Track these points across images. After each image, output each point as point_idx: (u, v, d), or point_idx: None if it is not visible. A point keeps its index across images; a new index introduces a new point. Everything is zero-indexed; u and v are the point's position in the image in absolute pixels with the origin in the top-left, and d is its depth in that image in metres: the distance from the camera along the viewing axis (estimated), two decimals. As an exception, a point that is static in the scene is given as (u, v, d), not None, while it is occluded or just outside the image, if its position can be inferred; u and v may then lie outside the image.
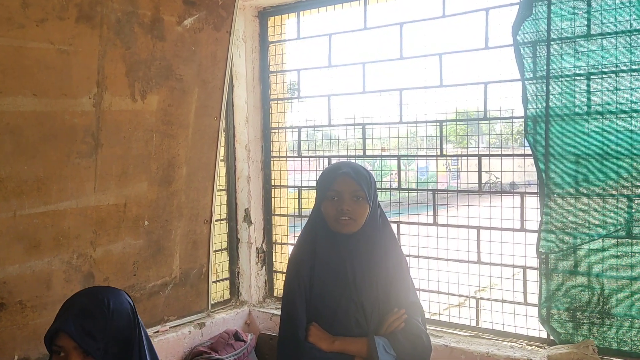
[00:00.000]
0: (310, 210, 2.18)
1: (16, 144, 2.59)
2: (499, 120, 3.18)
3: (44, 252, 2.76)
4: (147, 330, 3.27)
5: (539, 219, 2.89)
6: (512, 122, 3.17)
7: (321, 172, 2.14)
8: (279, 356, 2.02)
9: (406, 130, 3.48)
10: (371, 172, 2.13)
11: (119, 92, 2.94)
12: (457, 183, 3.53)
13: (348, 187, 1.98)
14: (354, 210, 1.97)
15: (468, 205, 3.24)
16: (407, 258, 3.29)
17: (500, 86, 3.07)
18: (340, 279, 2.00)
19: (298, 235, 2.20)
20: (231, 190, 3.97)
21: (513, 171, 3.06)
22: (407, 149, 3.49)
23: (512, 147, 3.16)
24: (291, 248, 4.07)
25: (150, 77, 3.07)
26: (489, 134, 3.25)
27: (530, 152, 2.91)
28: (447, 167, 4.16)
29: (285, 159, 4.06)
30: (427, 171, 3.84)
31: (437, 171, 3.59)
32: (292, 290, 2.03)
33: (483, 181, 3.20)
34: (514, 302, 3.12)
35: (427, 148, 3.48)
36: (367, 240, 2.03)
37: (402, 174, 3.59)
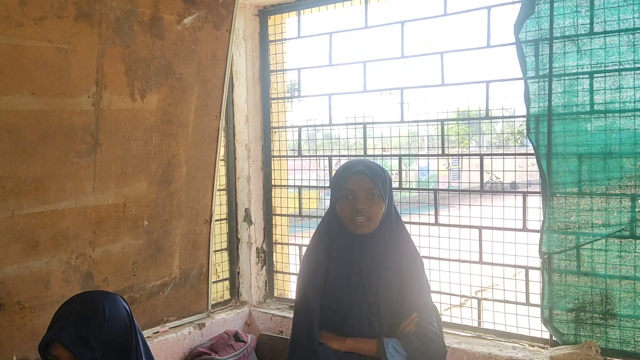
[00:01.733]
0: (325, 211, 2.15)
1: (14, 143, 2.56)
2: (500, 120, 3.16)
3: (42, 252, 2.74)
4: (146, 330, 3.27)
5: (542, 218, 2.86)
6: (514, 121, 3.14)
7: (334, 171, 2.11)
8: (291, 357, 1.99)
9: (407, 129, 3.45)
10: (386, 170, 2.09)
11: (118, 91, 2.91)
12: (459, 182, 3.50)
13: (362, 186, 1.94)
14: (369, 209, 1.94)
15: (470, 205, 3.21)
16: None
17: (502, 85, 3.05)
18: (353, 280, 1.97)
19: (312, 234, 2.15)
20: (231, 189, 3.95)
21: (515, 170, 3.04)
22: (408, 148, 3.46)
23: (514, 146, 3.13)
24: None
25: (149, 76, 3.05)
26: (490, 133, 3.23)
27: (532, 151, 2.88)
28: (447, 167, 4.13)
29: (285, 158, 4.03)
30: (427, 171, 3.81)
31: (437, 170, 3.57)
32: (307, 290, 2.00)
33: (484, 181, 3.17)
34: (516, 303, 3.10)
35: (428, 147, 3.45)
36: (381, 240, 2.00)
37: (403, 173, 3.56)
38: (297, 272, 2.29)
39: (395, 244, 2.01)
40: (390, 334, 1.96)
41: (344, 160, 3.48)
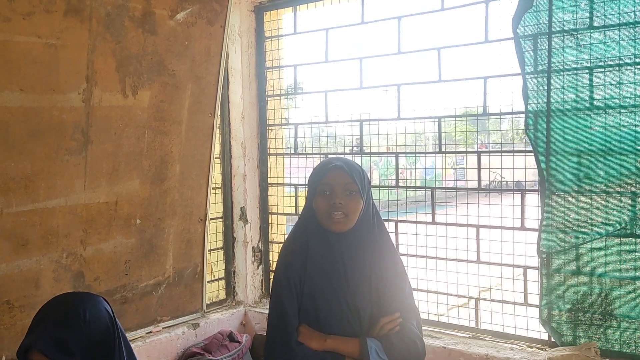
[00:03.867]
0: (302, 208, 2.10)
1: (3, 140, 2.53)
2: (499, 116, 3.10)
3: (32, 250, 2.70)
4: (139, 330, 3.23)
5: (540, 217, 2.81)
6: (513, 118, 3.08)
7: (312, 168, 2.06)
8: (267, 358, 1.95)
9: (404, 127, 3.40)
10: (364, 169, 2.05)
11: (109, 87, 2.87)
12: (464, 181, 3.43)
13: (340, 180, 1.90)
14: (346, 205, 1.89)
15: (467, 203, 3.16)
16: (405, 257, 3.24)
17: (501, 81, 2.99)
18: (333, 279, 1.93)
19: (289, 232, 2.11)
20: (227, 188, 3.90)
21: (513, 168, 2.98)
22: (406, 145, 3.40)
23: (512, 143, 3.07)
24: (281, 247, 4.01)
25: (141, 72, 3.00)
26: (488, 131, 3.17)
27: (531, 148, 2.83)
28: (452, 166, 4.07)
29: (282, 156, 3.99)
30: (427, 168, 3.75)
31: (436, 168, 3.51)
32: (281, 289, 1.95)
33: (489, 180, 3.12)
34: (514, 303, 3.04)
35: (425, 145, 3.39)
36: (360, 239, 1.95)
37: (407, 172, 3.51)
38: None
39: (374, 243, 1.96)
40: (370, 334, 1.91)
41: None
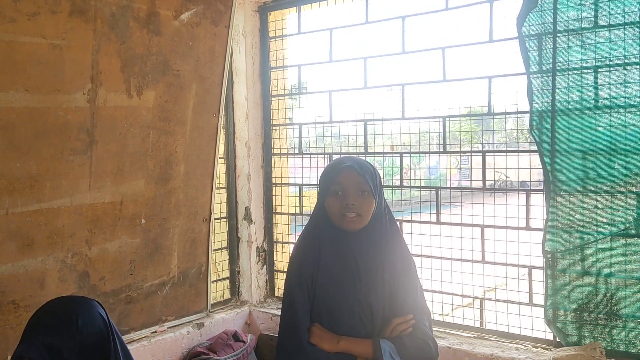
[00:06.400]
0: (313, 208, 2.10)
1: (8, 140, 2.54)
2: (503, 116, 3.09)
3: (37, 250, 2.71)
4: (144, 330, 3.24)
5: (545, 217, 2.80)
6: (518, 118, 3.07)
7: (324, 168, 2.06)
8: (278, 358, 1.95)
9: (408, 127, 3.39)
10: (376, 167, 2.04)
11: (114, 87, 2.88)
12: (469, 181, 3.42)
13: (353, 181, 1.90)
14: (359, 205, 1.89)
15: (471, 203, 3.15)
16: (410, 257, 3.24)
17: (505, 80, 2.98)
18: (345, 278, 1.93)
19: (300, 233, 2.11)
20: (231, 188, 3.90)
21: (518, 168, 2.97)
22: (410, 145, 3.40)
23: (517, 143, 3.06)
24: (293, 247, 4.01)
25: (146, 73, 3.01)
26: (493, 130, 3.16)
27: (536, 148, 2.82)
28: (457, 166, 4.06)
29: (286, 156, 3.99)
30: (431, 168, 3.74)
31: (441, 168, 3.50)
32: (293, 290, 1.95)
33: (494, 179, 3.11)
34: (519, 303, 3.04)
35: (429, 144, 3.38)
36: (372, 237, 1.95)
37: (412, 172, 3.50)
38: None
39: (387, 243, 1.96)
40: (382, 334, 1.90)
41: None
